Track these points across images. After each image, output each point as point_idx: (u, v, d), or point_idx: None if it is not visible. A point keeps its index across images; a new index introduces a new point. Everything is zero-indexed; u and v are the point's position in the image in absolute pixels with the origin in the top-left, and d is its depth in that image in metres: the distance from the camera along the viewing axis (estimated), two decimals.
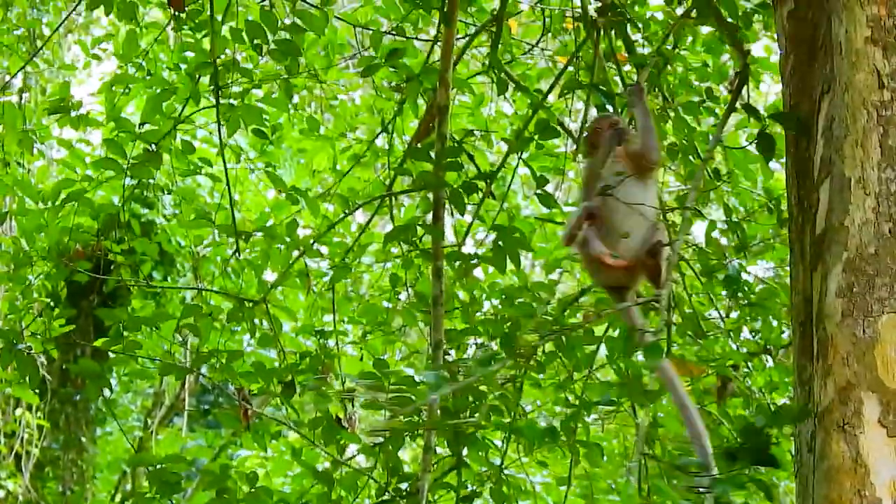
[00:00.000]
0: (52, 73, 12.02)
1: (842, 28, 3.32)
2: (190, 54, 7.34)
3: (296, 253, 6.95)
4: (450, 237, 6.79)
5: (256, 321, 6.97)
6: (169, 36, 8.30)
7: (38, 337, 7.45)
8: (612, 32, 6.16)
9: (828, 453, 3.09)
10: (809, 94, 3.66)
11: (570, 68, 6.43)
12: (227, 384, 6.79)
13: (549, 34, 7.30)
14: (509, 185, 7.04)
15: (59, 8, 10.93)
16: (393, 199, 7.13)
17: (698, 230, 6.80)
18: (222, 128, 6.97)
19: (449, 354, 6.44)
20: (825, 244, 3.32)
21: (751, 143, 4.89)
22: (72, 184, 7.30)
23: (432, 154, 6.20)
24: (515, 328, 6.57)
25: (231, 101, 6.87)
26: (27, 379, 7.17)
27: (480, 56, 8.02)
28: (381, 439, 5.98)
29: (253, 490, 5.67)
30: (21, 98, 11.73)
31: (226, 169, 7.18)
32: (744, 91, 5.71)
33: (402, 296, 6.95)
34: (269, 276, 7.56)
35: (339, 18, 7.98)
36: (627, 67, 6.27)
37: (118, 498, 13.69)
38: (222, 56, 6.85)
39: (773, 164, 6.65)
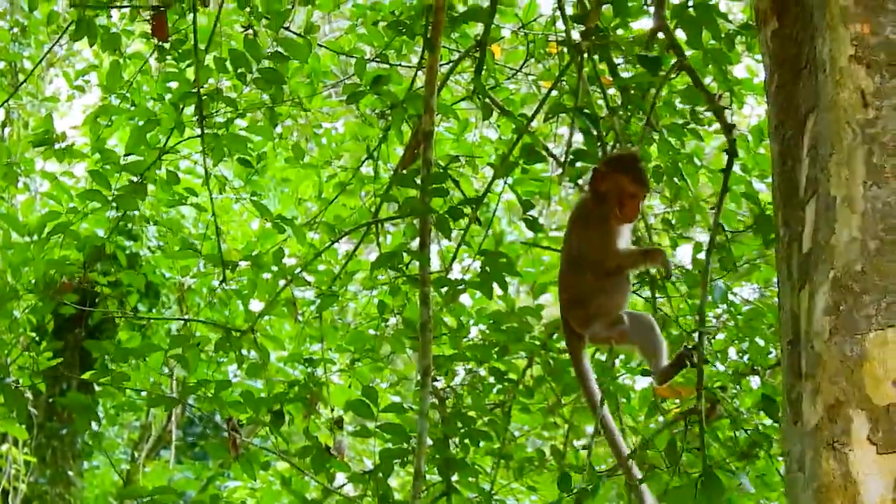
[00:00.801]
0: (35, 106, 12.02)
1: (825, 47, 3.33)
2: (174, 84, 7.34)
3: (282, 282, 6.94)
4: (436, 263, 6.78)
5: (244, 351, 6.97)
6: (152, 66, 8.29)
7: (27, 370, 7.42)
8: (596, 56, 6.18)
9: (817, 472, 3.08)
10: (794, 113, 3.65)
11: (555, 92, 6.44)
12: (216, 414, 6.77)
13: (533, 59, 7.31)
14: (494, 211, 7.05)
15: (40, 42, 10.94)
16: (379, 226, 7.14)
17: (684, 252, 6.82)
18: (207, 158, 6.97)
19: (437, 381, 6.44)
20: (812, 263, 3.32)
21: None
22: (57, 216, 7.28)
23: (418, 180, 6.20)
24: (503, 353, 6.58)
25: (215, 131, 6.87)
26: (15, 413, 7.13)
27: (464, 82, 8.03)
28: (371, 467, 5.97)
29: None
30: (3, 131, 11.73)
31: (211, 199, 7.18)
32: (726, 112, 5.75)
33: (390, 322, 6.94)
34: (256, 305, 7.54)
35: (322, 46, 7.99)
36: (612, 91, 6.28)
37: None
38: (206, 85, 6.86)
39: (758, 185, 6.67)
